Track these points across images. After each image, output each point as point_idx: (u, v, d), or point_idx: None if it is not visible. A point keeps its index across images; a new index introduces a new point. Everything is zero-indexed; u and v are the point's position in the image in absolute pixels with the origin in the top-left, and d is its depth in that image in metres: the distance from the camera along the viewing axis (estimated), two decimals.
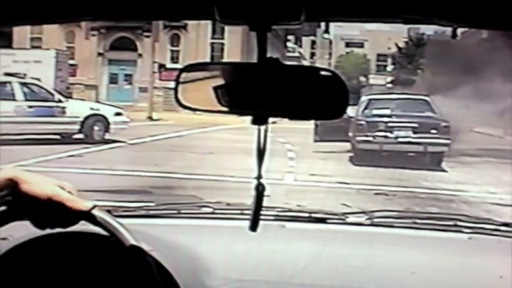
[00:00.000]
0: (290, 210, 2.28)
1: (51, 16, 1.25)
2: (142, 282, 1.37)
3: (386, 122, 15.85)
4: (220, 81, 1.23)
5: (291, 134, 17.25)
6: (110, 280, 1.58)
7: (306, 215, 2.21)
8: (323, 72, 1.21)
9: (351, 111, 19.16)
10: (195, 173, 12.14)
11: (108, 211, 1.43)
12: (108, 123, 18.17)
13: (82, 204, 1.32)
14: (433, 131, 15.54)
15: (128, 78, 37.51)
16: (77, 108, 18.17)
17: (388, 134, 15.65)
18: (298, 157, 15.51)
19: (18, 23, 1.31)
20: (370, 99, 17.29)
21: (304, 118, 1.27)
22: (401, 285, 1.85)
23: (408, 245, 2.08)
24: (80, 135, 17.95)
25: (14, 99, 17.03)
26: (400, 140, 15.56)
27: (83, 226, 1.39)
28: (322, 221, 2.16)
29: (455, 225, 2.17)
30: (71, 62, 34.54)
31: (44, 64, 30.27)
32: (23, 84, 17.72)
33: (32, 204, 1.28)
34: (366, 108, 16.70)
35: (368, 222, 2.17)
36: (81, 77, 36.27)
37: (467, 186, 12.09)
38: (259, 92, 1.19)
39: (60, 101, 17.92)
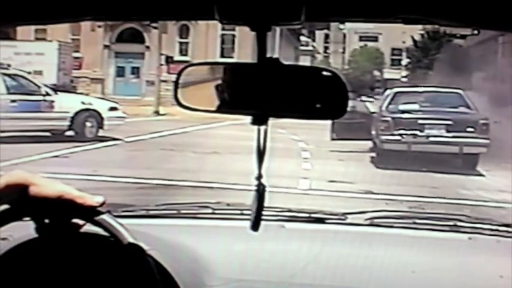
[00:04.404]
0: (290, 210, 2.24)
1: (51, 16, 1.25)
2: (142, 282, 1.38)
3: (416, 119, 14.02)
4: (220, 81, 1.25)
5: (305, 131, 16.10)
6: (110, 280, 1.55)
7: (306, 215, 2.21)
8: (323, 72, 1.23)
9: (371, 106, 17.56)
10: (191, 179, 10.54)
11: (108, 211, 1.41)
12: (102, 118, 16.62)
13: (92, 200, 1.35)
14: (470, 129, 13.65)
15: (135, 71, 37.54)
16: (67, 103, 16.52)
17: (418, 133, 13.80)
18: (314, 158, 14.11)
19: (18, 23, 1.33)
20: (396, 93, 15.43)
21: (304, 118, 1.28)
22: (401, 285, 1.86)
23: (408, 245, 2.08)
24: (71, 132, 16.47)
25: None
26: (431, 139, 13.72)
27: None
28: (321, 221, 2.18)
29: (455, 226, 2.18)
30: (76, 54, 34.70)
31: (47, 56, 30.01)
32: (6, 75, 15.96)
33: (42, 205, 1.32)
34: (390, 102, 14.86)
35: (367, 222, 2.18)
36: (87, 70, 36.33)
37: None
38: (259, 92, 1.20)
39: (47, 95, 16.23)
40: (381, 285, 1.84)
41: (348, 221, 2.17)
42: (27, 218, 1.36)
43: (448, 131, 13.77)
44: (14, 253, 1.60)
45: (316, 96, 1.21)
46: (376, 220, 2.19)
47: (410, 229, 2.15)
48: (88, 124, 16.46)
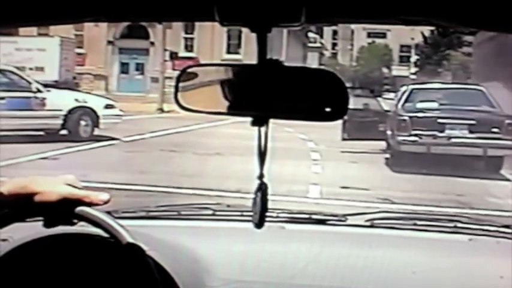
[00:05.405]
0: (290, 212, 2.24)
1: (51, 17, 1.26)
2: (142, 282, 1.39)
3: (435, 118, 12.90)
4: (221, 82, 1.26)
5: (314, 130, 15.09)
6: (110, 281, 1.59)
7: (306, 216, 2.23)
8: (323, 74, 1.23)
9: (384, 104, 16.53)
10: (189, 186, 9.50)
11: (108, 212, 1.43)
12: (97, 116, 15.59)
13: (98, 197, 1.36)
14: (495, 130, 12.55)
15: (140, 67, 37.18)
16: (59, 100, 15.42)
17: (438, 133, 12.70)
18: (324, 159, 13.16)
19: (18, 23, 1.33)
20: (413, 90, 14.29)
21: (304, 119, 1.27)
22: (401, 286, 1.87)
23: (408, 246, 2.09)
24: (65, 132, 15.48)
25: None
26: (453, 140, 12.63)
27: (82, 227, 1.43)
28: (322, 222, 2.20)
29: (456, 227, 2.18)
30: (80, 50, 35.30)
31: (48, 52, 29.52)
32: None
33: (48, 208, 1.34)
34: (407, 100, 13.74)
35: (368, 223, 2.18)
36: (90, 67, 36.13)
37: None
38: (259, 93, 1.21)
39: (38, 91, 15.15)
40: (381, 286, 1.84)
41: (348, 222, 2.19)
42: (28, 219, 1.36)
43: (471, 132, 12.70)
44: (14, 254, 1.63)
45: (316, 97, 1.19)
46: (376, 221, 2.19)
47: (410, 230, 2.16)
48: (82, 123, 15.43)
